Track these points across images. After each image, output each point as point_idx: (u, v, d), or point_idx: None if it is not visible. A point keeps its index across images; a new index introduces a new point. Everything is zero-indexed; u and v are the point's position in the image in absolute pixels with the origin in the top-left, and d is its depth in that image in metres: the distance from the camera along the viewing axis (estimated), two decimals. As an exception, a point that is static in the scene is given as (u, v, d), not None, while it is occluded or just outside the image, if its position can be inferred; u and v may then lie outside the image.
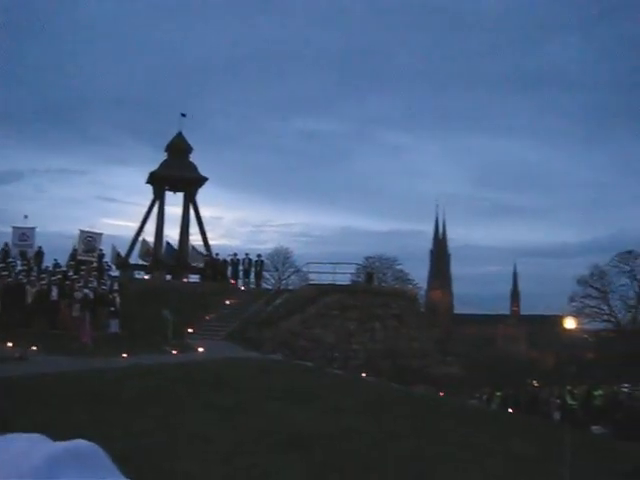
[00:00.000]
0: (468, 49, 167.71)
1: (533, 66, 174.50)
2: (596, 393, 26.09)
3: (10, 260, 31.38)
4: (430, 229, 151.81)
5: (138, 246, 40.38)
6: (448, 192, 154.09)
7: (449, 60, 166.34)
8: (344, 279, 36.09)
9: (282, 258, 73.20)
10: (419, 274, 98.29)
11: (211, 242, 42.81)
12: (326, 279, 34.88)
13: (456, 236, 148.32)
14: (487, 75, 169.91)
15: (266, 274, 53.58)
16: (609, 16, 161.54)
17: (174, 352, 23.46)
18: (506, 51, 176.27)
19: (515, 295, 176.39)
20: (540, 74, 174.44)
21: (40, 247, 34.18)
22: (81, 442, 0.67)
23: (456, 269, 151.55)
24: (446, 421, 14.36)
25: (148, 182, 41.24)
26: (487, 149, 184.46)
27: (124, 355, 21.20)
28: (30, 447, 0.66)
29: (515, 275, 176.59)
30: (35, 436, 0.69)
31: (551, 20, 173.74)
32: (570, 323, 48.28)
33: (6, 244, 33.51)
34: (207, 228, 42.63)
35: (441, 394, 25.99)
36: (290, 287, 49.62)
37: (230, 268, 37.74)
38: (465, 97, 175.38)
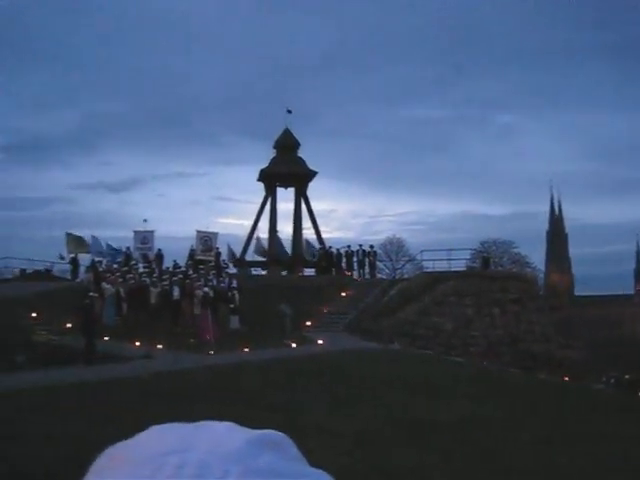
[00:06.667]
0: (569, 23, 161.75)
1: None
2: None
3: (133, 263, 32.59)
4: (546, 210, 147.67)
5: (253, 243, 41.14)
6: (562, 171, 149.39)
7: (550, 35, 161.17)
8: (459, 265, 35.73)
9: (395, 247, 72.93)
10: (537, 256, 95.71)
11: (325, 235, 43.21)
12: (441, 266, 34.62)
13: (573, 215, 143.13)
14: (592, 48, 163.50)
15: (380, 264, 53.50)
16: None
17: (293, 345, 23.75)
18: (609, 22, 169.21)
19: (639, 274, 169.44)
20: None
21: (160, 249, 35.38)
22: (273, 431, 0.73)
23: (575, 249, 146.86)
24: (572, 407, 13.97)
25: (259, 179, 41.95)
26: (596, 123, 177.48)
27: (245, 350, 21.65)
28: (229, 431, 0.72)
29: (638, 253, 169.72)
30: (230, 424, 0.75)
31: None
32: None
33: (128, 248, 34.87)
34: (321, 221, 43.04)
35: (565, 379, 25.34)
36: (405, 276, 49.42)
37: (344, 260, 37.87)
38: (570, 72, 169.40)
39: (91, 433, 9.28)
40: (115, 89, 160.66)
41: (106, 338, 22.06)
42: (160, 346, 21.93)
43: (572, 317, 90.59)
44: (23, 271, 38.03)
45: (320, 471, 0.75)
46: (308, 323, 28.93)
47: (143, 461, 0.67)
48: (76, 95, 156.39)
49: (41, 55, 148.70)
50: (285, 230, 43.83)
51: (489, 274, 35.84)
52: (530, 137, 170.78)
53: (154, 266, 32.70)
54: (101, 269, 30.76)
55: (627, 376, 38.95)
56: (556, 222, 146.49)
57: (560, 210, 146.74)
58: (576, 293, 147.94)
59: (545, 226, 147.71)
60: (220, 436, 0.70)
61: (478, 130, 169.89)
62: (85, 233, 36.27)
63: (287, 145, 41.42)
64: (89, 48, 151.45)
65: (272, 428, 0.74)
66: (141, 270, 31.84)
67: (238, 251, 40.40)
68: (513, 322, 31.66)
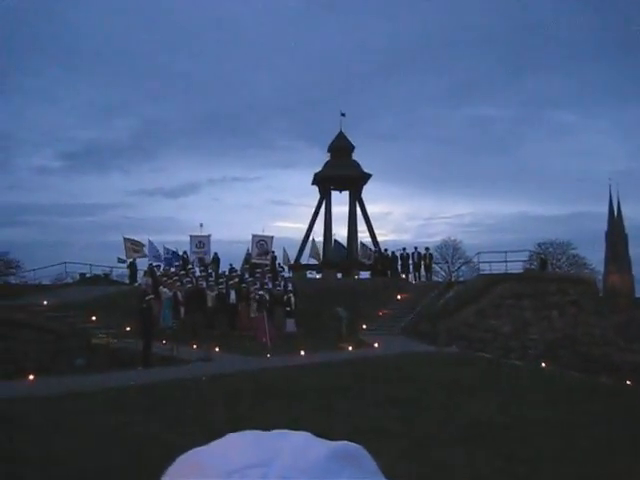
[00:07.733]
0: (628, 19, 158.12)
1: None
2: None
3: (189, 267, 32.94)
4: (604, 210, 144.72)
5: (308, 246, 41.28)
6: (621, 169, 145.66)
7: (610, 32, 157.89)
8: (516, 267, 35.28)
9: (451, 250, 72.45)
10: (595, 258, 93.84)
11: (381, 238, 43.16)
12: (498, 268, 34.23)
13: (633, 215, 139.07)
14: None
15: (436, 267, 53.19)
16: None
17: (350, 348, 23.71)
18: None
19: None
20: None
21: (216, 253, 35.70)
22: (350, 444, 0.72)
23: (635, 250, 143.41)
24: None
25: (313, 183, 42.11)
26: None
27: (301, 353, 21.68)
28: (308, 443, 0.70)
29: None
30: (306, 434, 0.73)
31: None
32: None
33: (185, 252, 35.25)
34: (376, 224, 43.00)
35: (628, 383, 24.76)
36: (461, 279, 48.98)
37: (400, 263, 37.73)
38: (630, 68, 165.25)
39: (151, 434, 9.38)
40: (172, 96, 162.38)
41: (164, 341, 22.34)
42: (217, 349, 22.13)
43: (633, 319, 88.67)
44: (83, 275, 38.82)
45: None
46: (364, 326, 28.88)
47: (222, 473, 0.66)
48: (134, 102, 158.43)
49: (100, 64, 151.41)
50: (340, 233, 43.94)
51: (547, 276, 35.30)
52: (589, 136, 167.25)
53: (211, 270, 33.01)
54: (159, 273, 31.15)
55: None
56: (615, 222, 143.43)
57: (619, 210, 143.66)
58: (637, 295, 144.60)
59: (604, 226, 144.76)
60: (299, 449, 0.69)
61: (536, 129, 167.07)
62: (143, 238, 36.76)
63: (341, 148, 41.48)
64: (147, 56, 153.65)
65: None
66: (198, 274, 32.17)
67: (294, 254, 40.59)
68: (571, 324, 31.11)
